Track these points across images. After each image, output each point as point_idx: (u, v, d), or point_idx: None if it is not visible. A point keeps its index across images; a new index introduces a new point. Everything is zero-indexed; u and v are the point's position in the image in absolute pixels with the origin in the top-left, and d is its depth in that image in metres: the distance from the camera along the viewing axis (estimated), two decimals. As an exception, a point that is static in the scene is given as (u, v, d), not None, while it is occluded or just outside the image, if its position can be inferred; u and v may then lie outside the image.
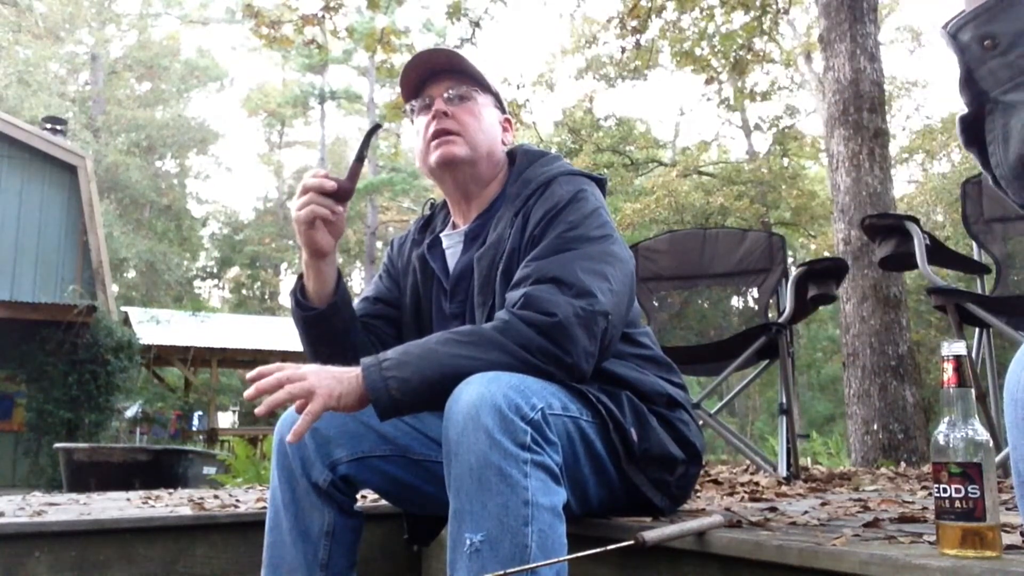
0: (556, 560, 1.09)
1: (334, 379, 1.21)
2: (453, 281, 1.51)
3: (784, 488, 2.30)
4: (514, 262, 1.39)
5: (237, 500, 2.47)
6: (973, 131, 0.75)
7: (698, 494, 2.06)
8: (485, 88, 1.54)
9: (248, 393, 1.22)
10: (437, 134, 1.48)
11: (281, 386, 1.20)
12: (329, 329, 1.47)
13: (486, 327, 1.27)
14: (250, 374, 1.24)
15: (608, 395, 1.34)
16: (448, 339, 1.25)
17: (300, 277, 1.49)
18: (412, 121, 1.59)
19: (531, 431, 1.13)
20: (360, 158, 1.45)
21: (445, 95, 1.50)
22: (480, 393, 1.13)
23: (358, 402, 1.21)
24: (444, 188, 1.56)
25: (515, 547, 1.08)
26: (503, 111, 1.59)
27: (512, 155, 1.58)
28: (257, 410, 1.23)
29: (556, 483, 1.16)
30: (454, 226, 1.58)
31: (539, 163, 1.52)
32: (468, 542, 1.09)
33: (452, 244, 1.55)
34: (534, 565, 1.07)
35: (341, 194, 1.41)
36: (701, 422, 2.75)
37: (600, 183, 1.51)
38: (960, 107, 0.75)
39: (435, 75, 1.52)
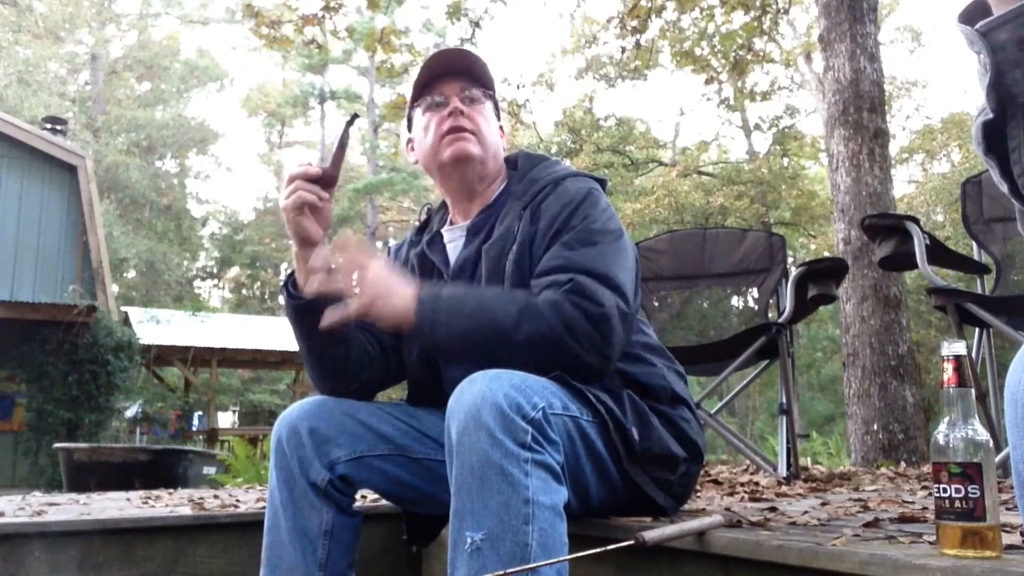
0: (556, 560, 1.09)
1: (384, 292, 1.28)
2: (454, 272, 1.53)
3: (784, 488, 2.30)
4: (525, 253, 1.42)
5: (237, 500, 2.47)
6: (994, 138, 0.73)
7: (698, 494, 2.06)
8: (491, 95, 1.58)
9: (315, 263, 1.33)
10: (452, 130, 1.50)
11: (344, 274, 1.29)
12: (319, 318, 1.47)
13: (538, 300, 1.30)
14: (338, 238, 1.33)
15: (610, 393, 1.35)
16: (502, 300, 1.30)
17: (292, 272, 1.51)
18: (410, 119, 1.60)
19: (532, 430, 1.13)
20: (342, 145, 1.47)
21: (460, 95, 1.52)
22: (482, 392, 1.13)
23: (393, 327, 1.29)
24: (449, 185, 1.57)
25: (516, 546, 1.08)
26: (499, 118, 1.62)
27: (512, 159, 1.62)
28: (309, 285, 1.34)
29: (557, 482, 1.16)
30: (452, 223, 1.60)
31: (543, 165, 1.57)
32: (469, 540, 1.09)
33: (454, 238, 1.57)
34: (535, 565, 1.07)
35: (326, 180, 1.44)
36: (701, 421, 2.75)
37: (603, 184, 1.55)
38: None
39: (448, 75, 1.54)
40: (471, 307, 1.28)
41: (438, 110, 1.52)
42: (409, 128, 1.62)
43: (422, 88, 1.55)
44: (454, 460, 1.13)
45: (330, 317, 1.31)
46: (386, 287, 1.27)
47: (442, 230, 1.60)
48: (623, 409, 1.34)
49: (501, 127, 1.61)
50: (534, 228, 1.43)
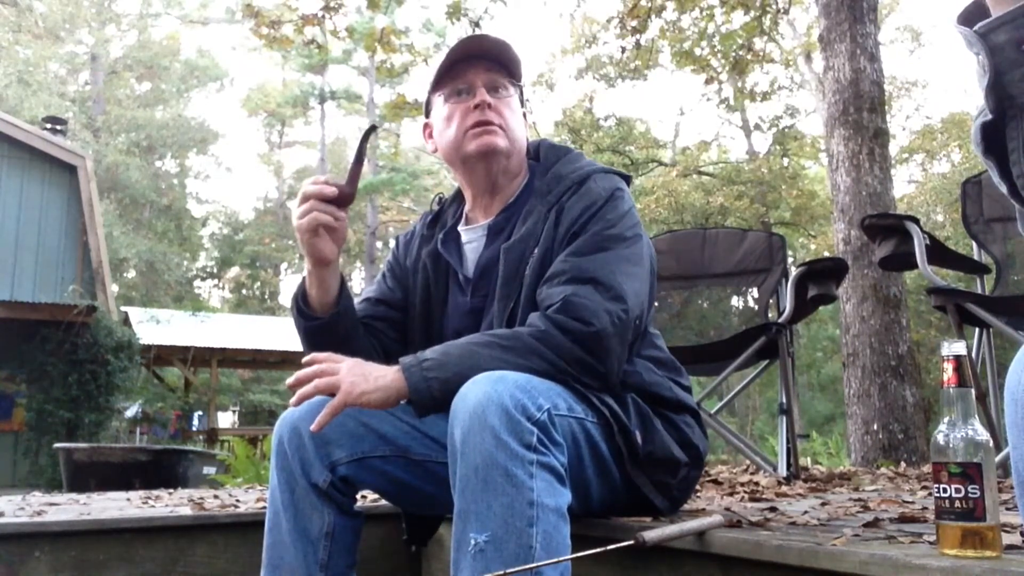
0: (557, 560, 1.09)
1: (362, 376, 1.22)
2: (477, 275, 1.49)
3: (784, 488, 2.30)
4: (548, 259, 1.38)
5: (237, 500, 2.47)
6: (994, 139, 0.73)
7: (698, 494, 2.06)
8: (518, 84, 1.53)
9: (288, 381, 1.26)
10: (480, 123, 1.45)
11: (313, 379, 1.23)
12: (331, 338, 1.45)
13: (524, 332, 1.28)
14: (305, 359, 1.27)
15: (614, 397, 1.34)
16: (488, 342, 1.26)
17: (302, 283, 1.47)
18: (429, 103, 1.55)
19: (537, 432, 1.13)
20: (359, 160, 1.42)
21: (487, 85, 1.47)
22: (487, 393, 1.13)
23: (383, 401, 1.23)
24: (472, 178, 1.52)
25: (520, 548, 1.07)
26: (523, 107, 1.57)
27: (534, 149, 1.57)
28: (291, 400, 1.27)
29: (561, 484, 1.15)
30: (468, 220, 1.56)
31: (567, 159, 1.52)
32: (473, 542, 1.09)
33: (474, 238, 1.53)
34: (536, 564, 1.07)
35: (342, 199, 1.39)
36: (705, 429, 2.75)
37: (627, 180, 1.52)
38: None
39: (474, 59, 1.48)
40: (456, 356, 1.24)
41: (462, 99, 1.47)
42: (427, 113, 1.57)
43: (445, 73, 1.49)
44: (458, 461, 1.13)
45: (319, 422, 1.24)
46: (362, 372, 1.23)
47: (459, 228, 1.55)
48: (627, 412, 1.34)
49: (525, 116, 1.56)
50: (557, 231, 1.40)
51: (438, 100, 1.52)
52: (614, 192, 1.43)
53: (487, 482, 1.09)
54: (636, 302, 1.33)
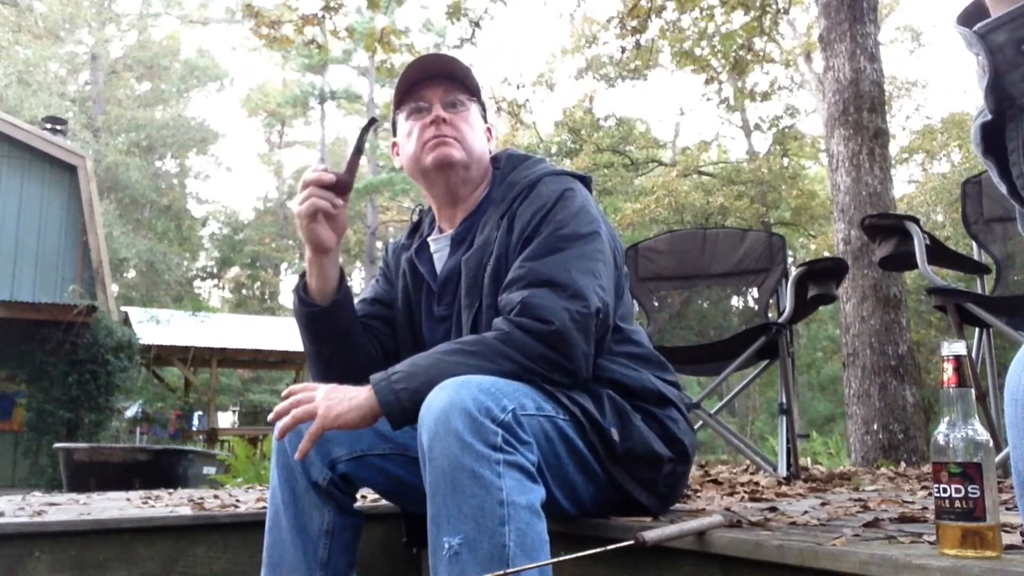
0: (555, 560, 1.09)
1: (336, 400, 1.25)
2: (440, 284, 1.53)
3: (784, 488, 2.30)
4: (503, 265, 1.41)
5: (237, 500, 2.47)
6: (993, 139, 0.73)
7: (698, 494, 2.06)
8: (476, 98, 1.57)
9: (270, 417, 1.31)
10: (435, 137, 1.49)
11: (291, 411, 1.27)
12: (331, 327, 1.49)
13: (489, 337, 1.29)
14: (284, 393, 1.32)
15: (589, 394, 1.35)
16: (455, 349, 1.28)
17: (303, 275, 1.51)
18: (395, 123, 1.59)
19: (502, 432, 1.14)
20: (358, 150, 1.47)
21: (443, 101, 1.51)
22: (450, 397, 1.14)
23: (359, 420, 1.25)
24: (433, 191, 1.56)
25: (493, 547, 1.08)
26: (485, 120, 1.61)
27: (496, 160, 1.60)
28: (275, 434, 1.33)
29: (532, 481, 1.16)
30: (440, 231, 1.60)
31: (523, 166, 1.55)
32: (447, 546, 1.09)
33: (439, 248, 1.57)
34: (534, 566, 1.07)
35: (340, 186, 1.43)
36: (700, 422, 2.75)
37: (585, 181, 1.53)
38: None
39: (430, 78, 1.53)
40: (424, 366, 1.26)
41: (421, 116, 1.51)
42: (394, 132, 1.62)
43: (404, 93, 1.54)
44: (427, 467, 1.14)
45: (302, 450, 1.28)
46: (337, 396, 1.26)
47: (428, 239, 1.60)
48: (602, 409, 1.34)
49: (488, 129, 1.60)
50: (510, 238, 1.42)
51: (400, 118, 1.56)
52: (563, 192, 1.44)
53: (455, 485, 1.10)
54: (596, 297, 1.33)
